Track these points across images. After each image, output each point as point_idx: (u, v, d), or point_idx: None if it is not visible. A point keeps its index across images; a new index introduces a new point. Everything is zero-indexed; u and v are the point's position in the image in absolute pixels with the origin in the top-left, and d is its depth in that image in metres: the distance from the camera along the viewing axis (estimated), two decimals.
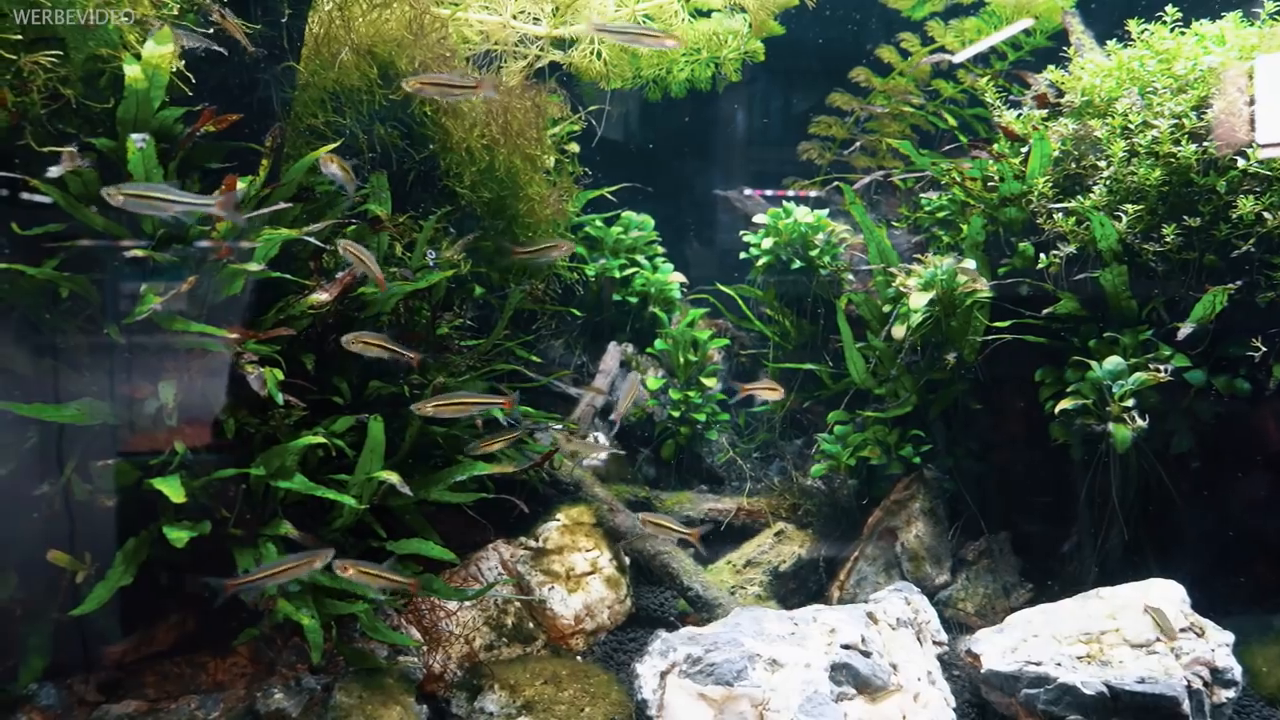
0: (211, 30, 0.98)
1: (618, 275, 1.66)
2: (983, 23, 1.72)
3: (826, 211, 1.63)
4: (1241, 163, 1.22)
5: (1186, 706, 1.00)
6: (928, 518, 1.35)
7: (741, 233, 1.66)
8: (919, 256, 1.45)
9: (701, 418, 1.53)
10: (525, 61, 1.47)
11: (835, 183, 1.73)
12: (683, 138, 1.92)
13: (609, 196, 1.67)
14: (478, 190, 1.38)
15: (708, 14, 1.60)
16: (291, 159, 1.13)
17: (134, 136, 0.85)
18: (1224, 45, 1.32)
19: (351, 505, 0.94)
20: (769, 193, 1.96)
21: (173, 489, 0.82)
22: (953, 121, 1.71)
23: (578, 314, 1.56)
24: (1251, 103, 1.30)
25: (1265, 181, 1.21)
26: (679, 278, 1.71)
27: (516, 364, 1.39)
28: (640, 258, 1.71)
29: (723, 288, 1.69)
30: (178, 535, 0.83)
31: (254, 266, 0.90)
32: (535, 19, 1.43)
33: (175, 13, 0.95)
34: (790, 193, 1.94)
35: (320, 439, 0.94)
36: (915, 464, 1.38)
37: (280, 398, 0.89)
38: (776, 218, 1.59)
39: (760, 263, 1.60)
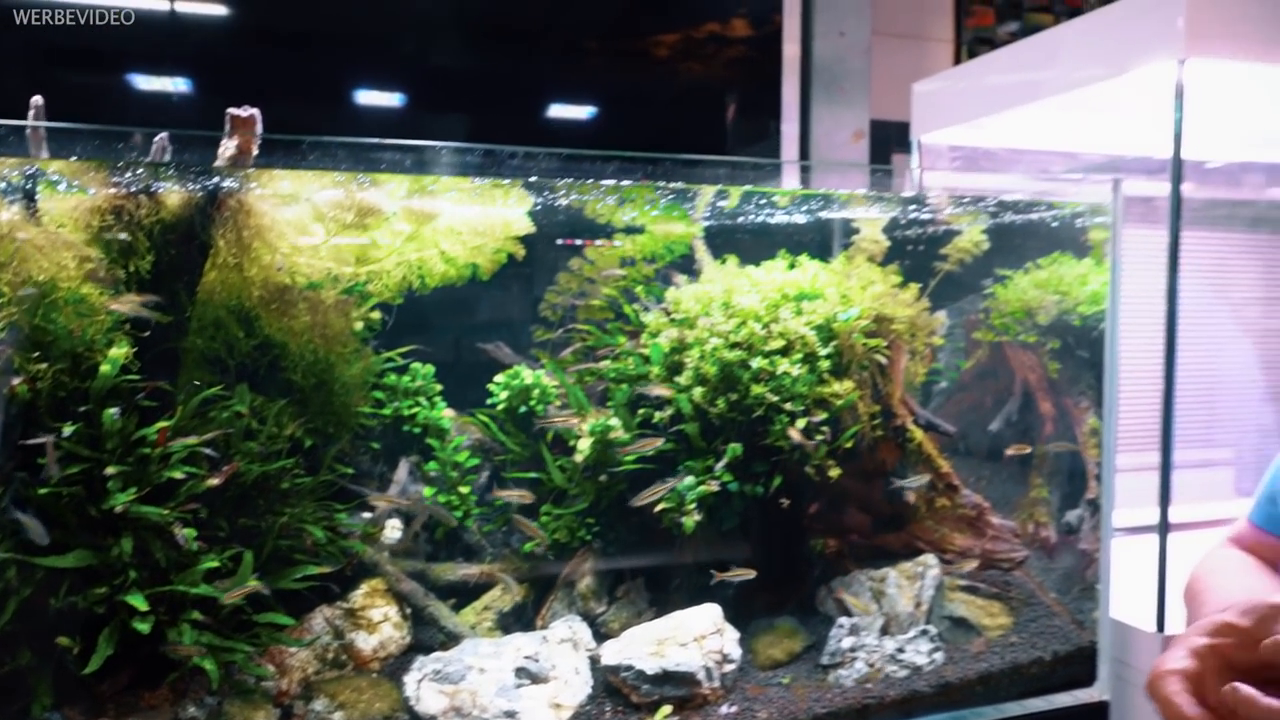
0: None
1: (406, 413, 2.43)
2: (649, 239, 2.60)
3: (546, 371, 2.46)
4: (754, 365, 2.13)
5: (701, 675, 1.87)
6: (594, 573, 2.19)
7: (489, 384, 2.46)
8: (601, 408, 2.30)
9: (459, 514, 2.31)
10: (340, 287, 2.21)
11: (555, 355, 2.55)
12: (459, 311, 2.69)
13: (397, 359, 2.43)
14: (306, 378, 2.11)
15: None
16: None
17: (110, 411, 1.56)
18: (757, 288, 2.25)
19: (236, 602, 1.67)
20: None
21: (139, 602, 1.53)
22: (629, 309, 2.57)
23: (376, 446, 2.31)
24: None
25: (769, 377, 2.13)
26: (450, 413, 2.48)
27: (342, 482, 2.13)
28: (423, 399, 2.48)
29: (480, 416, 2.48)
30: (143, 626, 1.54)
31: (178, 474, 1.62)
32: (347, 265, 2.17)
33: (127, 314, 1.65)
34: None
35: (216, 563, 1.67)
36: (589, 540, 2.23)
37: (195, 546, 1.61)
38: (509, 378, 2.41)
39: (500, 407, 2.41)
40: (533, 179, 2.08)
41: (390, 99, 3.30)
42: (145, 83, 3.02)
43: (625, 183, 1.79)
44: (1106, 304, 2.00)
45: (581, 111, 3.51)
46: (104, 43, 2.80)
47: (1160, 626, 2.11)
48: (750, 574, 2.01)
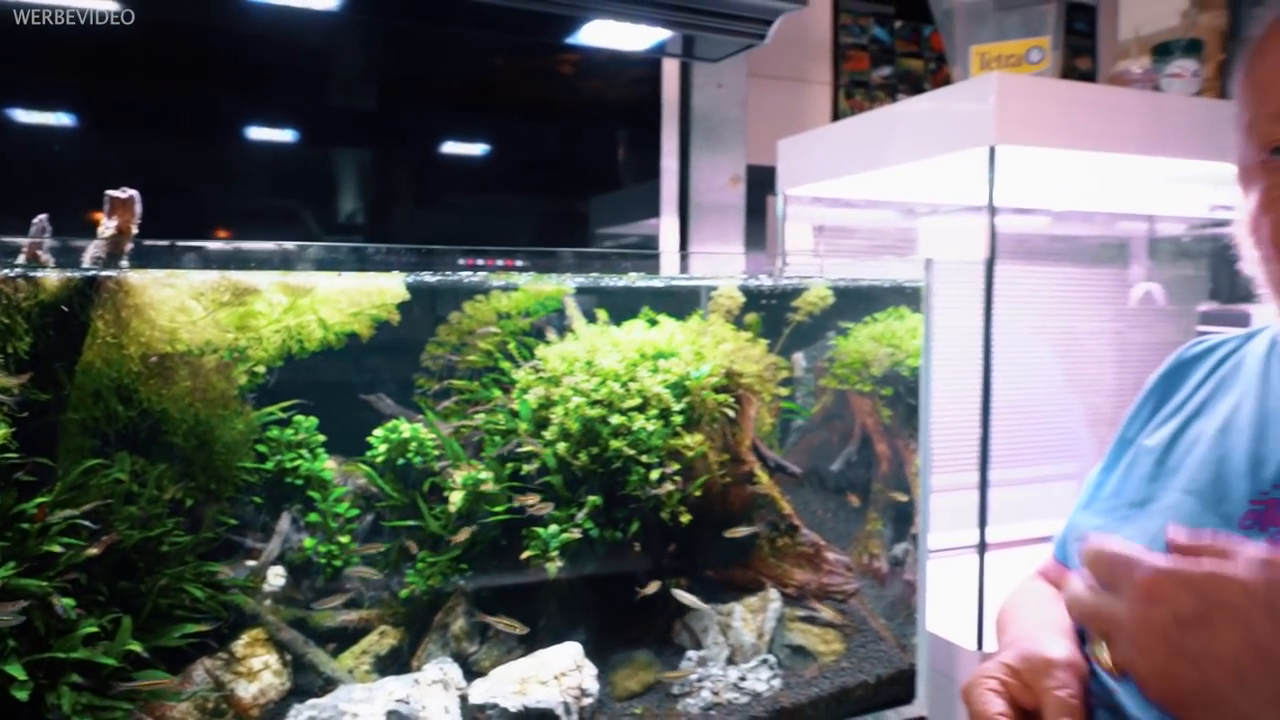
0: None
1: (288, 465, 2.54)
2: (523, 295, 2.78)
3: (424, 423, 2.61)
4: (613, 421, 2.33)
5: (560, 710, 2.06)
6: (467, 614, 2.35)
7: (368, 437, 2.60)
8: (476, 460, 2.47)
9: (339, 564, 2.45)
10: (219, 353, 2.32)
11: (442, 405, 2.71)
12: (342, 367, 2.82)
13: (280, 413, 2.54)
14: (188, 440, 2.22)
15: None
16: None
17: None
18: (618, 347, 2.45)
19: (113, 663, 1.78)
20: None
21: (18, 671, 1.63)
22: (505, 365, 2.74)
23: (259, 501, 2.42)
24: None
25: (627, 432, 2.33)
26: (332, 464, 2.61)
27: (224, 534, 2.24)
28: (305, 451, 2.60)
29: (362, 466, 2.61)
30: (22, 694, 1.64)
31: (56, 548, 1.72)
32: (228, 333, 2.29)
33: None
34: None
35: (95, 628, 1.77)
36: (462, 583, 2.39)
37: (74, 614, 1.72)
38: (388, 431, 2.54)
39: (380, 459, 2.55)
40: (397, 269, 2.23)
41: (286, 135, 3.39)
42: (25, 116, 3.04)
43: (483, 274, 1.96)
44: (921, 362, 2.25)
45: (477, 148, 3.68)
46: None
47: (980, 644, 2.39)
48: (655, 586, 2.20)
